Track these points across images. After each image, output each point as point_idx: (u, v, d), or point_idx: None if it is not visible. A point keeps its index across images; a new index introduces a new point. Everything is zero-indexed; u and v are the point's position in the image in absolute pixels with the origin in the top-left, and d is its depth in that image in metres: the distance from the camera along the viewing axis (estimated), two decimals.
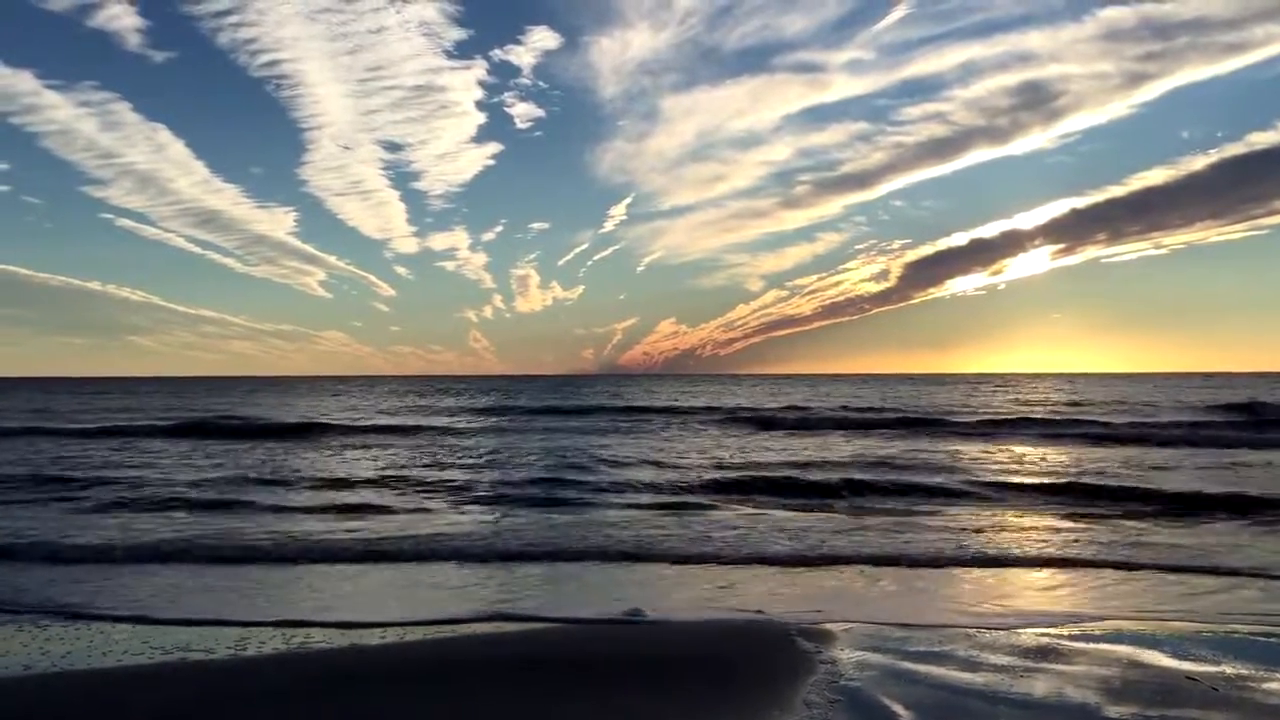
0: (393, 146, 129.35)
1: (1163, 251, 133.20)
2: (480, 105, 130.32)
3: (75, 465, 18.83)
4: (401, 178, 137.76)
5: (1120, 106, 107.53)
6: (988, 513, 12.78)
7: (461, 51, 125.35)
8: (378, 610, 7.27)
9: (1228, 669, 5.54)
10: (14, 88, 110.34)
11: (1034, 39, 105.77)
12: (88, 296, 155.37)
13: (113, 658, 5.98)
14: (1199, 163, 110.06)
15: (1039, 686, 5.19)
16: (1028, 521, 11.96)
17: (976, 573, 8.71)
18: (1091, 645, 6.09)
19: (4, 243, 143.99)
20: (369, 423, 32.80)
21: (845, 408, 39.92)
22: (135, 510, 13.04)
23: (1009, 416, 33.30)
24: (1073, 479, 16.05)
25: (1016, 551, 9.73)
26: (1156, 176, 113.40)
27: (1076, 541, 10.33)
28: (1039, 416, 33.61)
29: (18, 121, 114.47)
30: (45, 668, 5.73)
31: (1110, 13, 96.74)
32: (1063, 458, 20.41)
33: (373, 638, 6.47)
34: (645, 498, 14.35)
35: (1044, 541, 10.36)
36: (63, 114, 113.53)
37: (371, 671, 5.59)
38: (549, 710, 4.90)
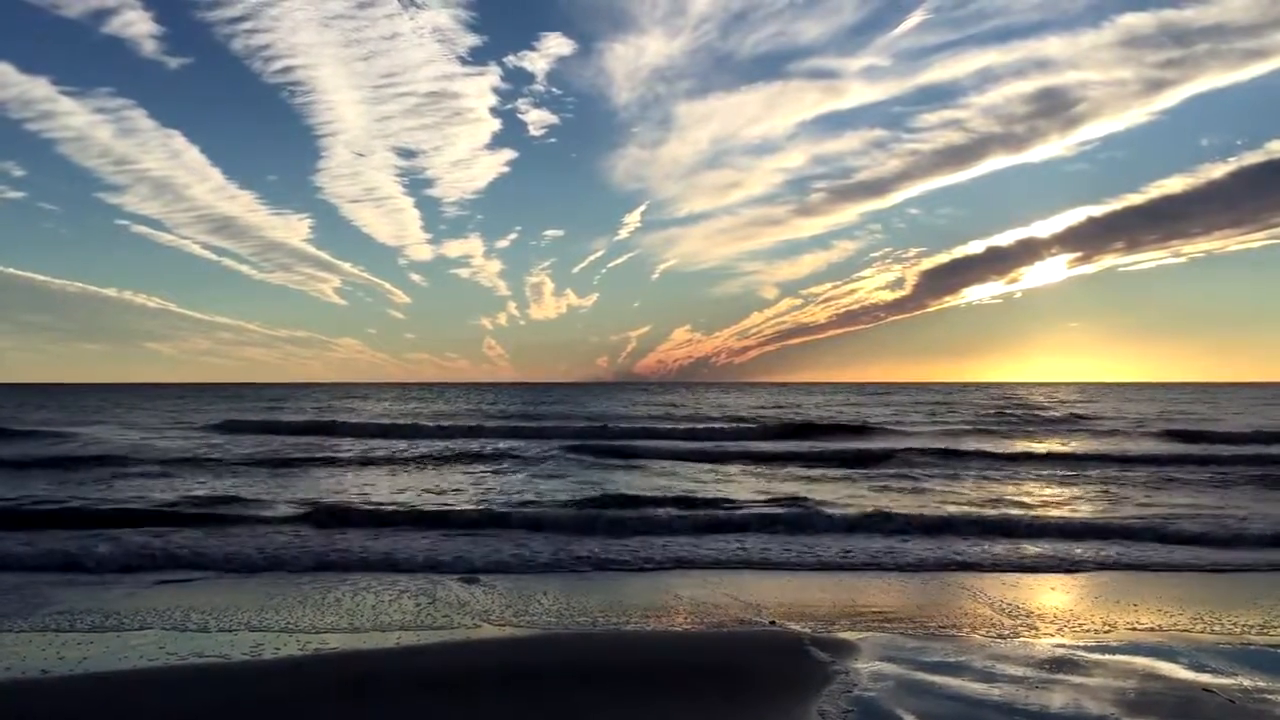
0: (407, 153, 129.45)
1: (1181, 260, 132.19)
2: (494, 112, 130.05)
3: None
4: (415, 185, 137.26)
5: (1139, 114, 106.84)
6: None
7: (475, 58, 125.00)
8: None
9: (1245, 681, 5.51)
10: (29, 94, 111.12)
11: (1052, 45, 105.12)
12: (104, 303, 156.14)
13: (129, 662, 6.01)
14: (1218, 171, 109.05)
15: (1056, 699, 5.17)
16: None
17: (995, 580, 8.70)
18: (1108, 656, 6.07)
19: (21, 250, 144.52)
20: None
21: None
22: None
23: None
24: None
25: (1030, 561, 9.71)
26: (1175, 185, 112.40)
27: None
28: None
29: (33, 128, 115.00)
30: (63, 672, 5.76)
31: (1129, 19, 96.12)
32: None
33: (386, 643, 6.49)
34: None
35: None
36: (78, 120, 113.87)
37: (385, 678, 5.60)
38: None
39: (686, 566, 9.36)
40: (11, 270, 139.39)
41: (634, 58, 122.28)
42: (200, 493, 15.17)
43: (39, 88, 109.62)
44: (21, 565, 9.19)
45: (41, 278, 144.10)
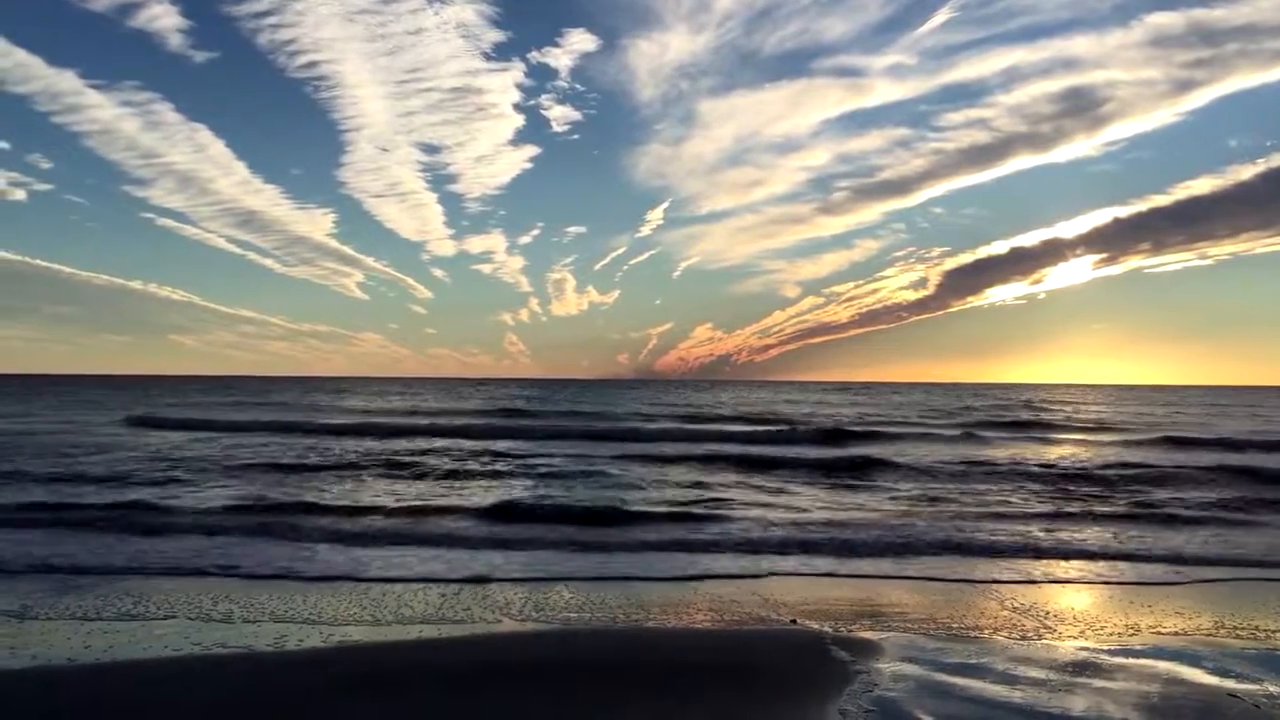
0: (430, 149, 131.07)
1: (1208, 262, 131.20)
2: (518, 108, 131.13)
3: None
4: (439, 180, 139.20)
5: (1167, 114, 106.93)
6: None
7: (499, 53, 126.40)
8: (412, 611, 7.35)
9: (1270, 686, 5.47)
10: (57, 87, 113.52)
11: (1079, 44, 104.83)
12: (129, 295, 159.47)
13: (153, 651, 6.09)
14: (1246, 172, 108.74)
15: (1077, 703, 5.15)
16: None
17: (1016, 583, 8.66)
18: (1131, 660, 6.04)
19: (48, 241, 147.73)
20: None
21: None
22: None
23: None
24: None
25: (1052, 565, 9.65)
26: (1202, 186, 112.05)
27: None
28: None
29: (60, 121, 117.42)
30: (90, 660, 5.85)
31: (1158, 18, 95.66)
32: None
33: (409, 635, 6.54)
34: None
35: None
36: (105, 114, 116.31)
37: (409, 671, 5.65)
38: (562, 716, 4.94)
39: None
40: (39, 262, 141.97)
41: (658, 54, 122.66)
42: None
43: (66, 80, 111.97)
44: None
45: (68, 270, 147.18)
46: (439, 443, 25.08)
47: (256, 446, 23.03)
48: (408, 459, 20.09)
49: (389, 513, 12.62)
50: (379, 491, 15.04)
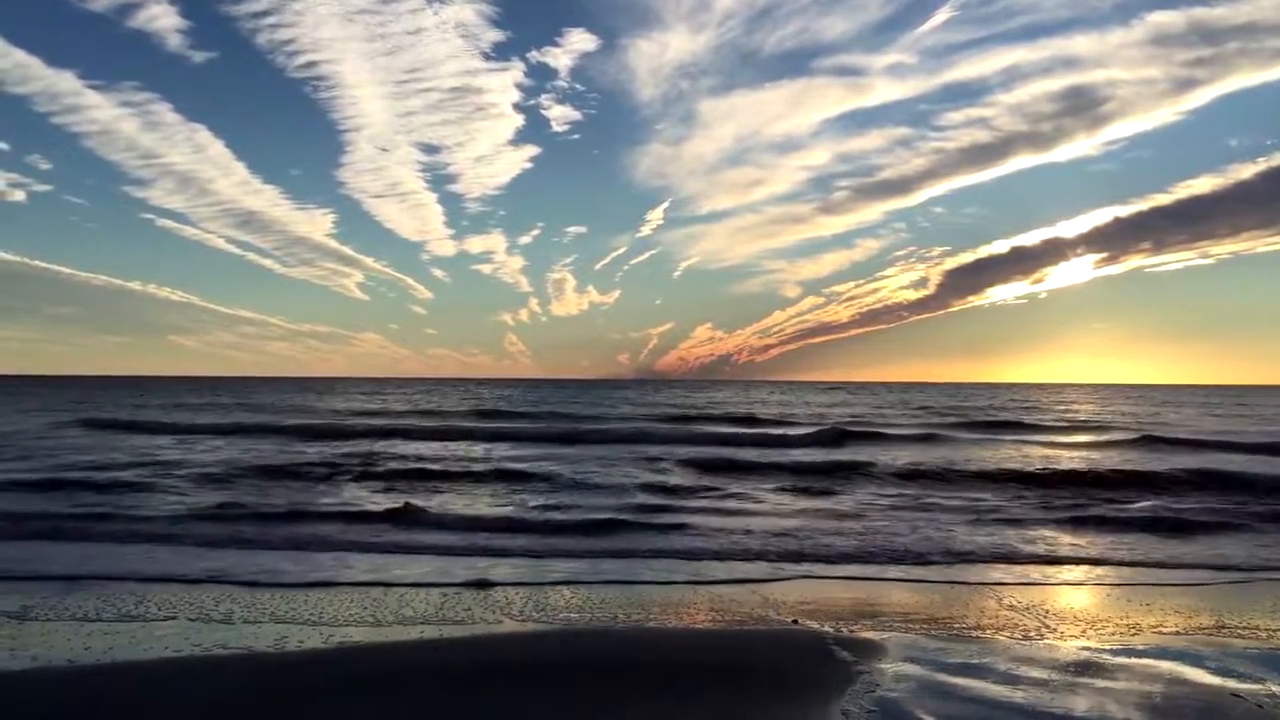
0: (430, 149, 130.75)
1: (1209, 261, 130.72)
2: (517, 108, 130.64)
3: None
4: (439, 180, 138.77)
5: (1167, 113, 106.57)
6: None
7: (499, 53, 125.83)
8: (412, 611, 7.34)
9: (1273, 686, 5.45)
10: (56, 87, 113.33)
11: (1080, 43, 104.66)
12: (128, 296, 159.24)
13: (153, 652, 6.07)
14: (1247, 171, 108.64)
15: (1080, 703, 5.13)
16: None
17: (1017, 585, 8.65)
18: (1134, 660, 6.02)
19: (48, 242, 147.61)
20: None
21: None
22: None
23: None
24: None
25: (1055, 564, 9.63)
26: (1203, 185, 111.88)
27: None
28: None
29: (59, 121, 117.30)
30: (89, 661, 5.84)
31: (1159, 17, 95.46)
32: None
33: (409, 636, 6.53)
34: None
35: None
36: (104, 114, 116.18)
37: (409, 671, 5.63)
38: (562, 717, 4.92)
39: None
40: (39, 262, 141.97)
41: (658, 54, 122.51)
42: None
43: (65, 81, 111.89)
44: None
45: (68, 270, 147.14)
46: (415, 446, 24.48)
47: (203, 451, 22.05)
48: (382, 461, 19.74)
49: (354, 516, 12.44)
50: (341, 495, 15.02)
